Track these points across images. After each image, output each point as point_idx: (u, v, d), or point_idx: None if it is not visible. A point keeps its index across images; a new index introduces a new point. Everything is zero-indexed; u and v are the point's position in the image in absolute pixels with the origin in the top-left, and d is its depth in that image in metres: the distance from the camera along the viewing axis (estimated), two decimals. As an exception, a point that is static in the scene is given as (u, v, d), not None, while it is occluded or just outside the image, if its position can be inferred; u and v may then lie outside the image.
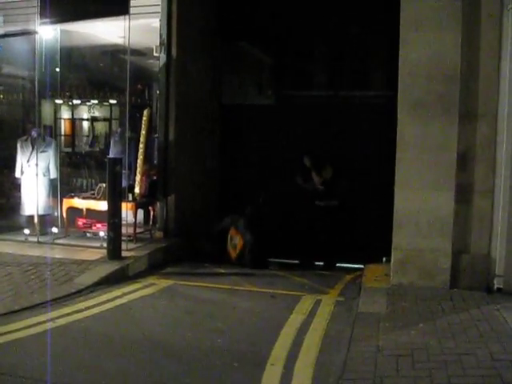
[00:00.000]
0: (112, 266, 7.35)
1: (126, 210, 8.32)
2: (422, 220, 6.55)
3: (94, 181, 9.70)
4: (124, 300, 6.56)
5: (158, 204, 8.81)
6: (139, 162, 8.37)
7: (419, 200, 6.53)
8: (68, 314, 6.00)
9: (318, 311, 6.35)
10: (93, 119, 11.49)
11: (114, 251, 7.56)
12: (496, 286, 6.42)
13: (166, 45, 8.57)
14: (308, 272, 8.44)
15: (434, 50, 6.40)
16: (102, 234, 8.25)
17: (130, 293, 6.82)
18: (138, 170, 8.36)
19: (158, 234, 8.82)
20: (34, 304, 6.17)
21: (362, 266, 8.37)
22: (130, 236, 8.41)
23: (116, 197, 7.52)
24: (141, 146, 8.28)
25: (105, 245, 7.98)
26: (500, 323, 5.62)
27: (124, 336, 5.48)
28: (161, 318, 6.12)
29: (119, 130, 9.08)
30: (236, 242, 9.03)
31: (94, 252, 7.97)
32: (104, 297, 6.63)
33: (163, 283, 7.32)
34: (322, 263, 9.23)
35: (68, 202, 8.76)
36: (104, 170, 8.44)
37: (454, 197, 6.44)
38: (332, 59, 11.78)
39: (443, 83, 6.38)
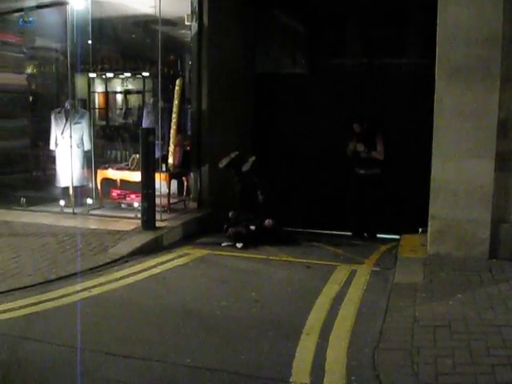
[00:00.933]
0: (146, 237, 7.35)
1: (160, 181, 8.34)
2: (461, 189, 6.33)
3: (127, 153, 9.70)
4: (158, 270, 6.56)
5: (192, 175, 8.78)
6: (172, 132, 8.30)
7: (458, 168, 6.31)
8: (103, 284, 6.04)
9: (354, 281, 6.24)
10: (126, 92, 11.46)
11: (148, 222, 7.56)
12: (536, 257, 6.23)
13: (198, 13, 8.42)
14: (343, 242, 8.33)
15: (474, 12, 6.11)
16: (136, 204, 8.27)
17: (164, 263, 6.82)
18: (172, 140, 8.30)
19: (192, 205, 8.78)
20: (70, 274, 6.23)
21: (397, 237, 8.27)
22: (164, 206, 8.41)
23: (149, 167, 7.49)
24: (174, 116, 8.21)
25: (139, 215, 7.99)
26: (541, 294, 5.47)
27: (159, 305, 5.48)
28: (195, 287, 6.10)
29: (152, 100, 9.01)
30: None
31: (129, 222, 7.98)
32: (138, 267, 6.64)
33: (197, 253, 7.29)
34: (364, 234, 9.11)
35: (102, 174, 8.79)
36: (137, 142, 8.46)
37: (494, 165, 6.23)
38: (366, 26, 11.51)
39: (484, 47, 6.10)
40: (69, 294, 5.69)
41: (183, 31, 9.85)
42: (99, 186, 8.77)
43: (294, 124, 10.12)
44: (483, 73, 6.15)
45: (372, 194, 8.76)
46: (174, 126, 8.25)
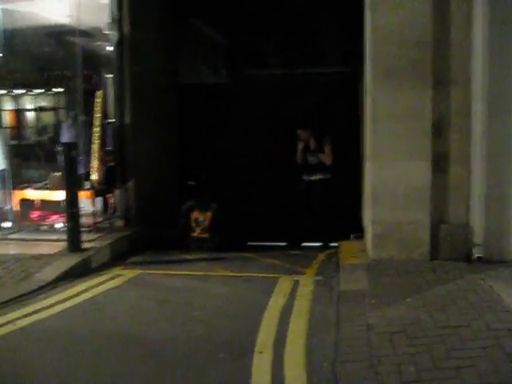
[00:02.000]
0: (73, 259, 6.73)
1: (83, 199, 7.74)
2: (399, 192, 6.21)
3: (43, 171, 8.97)
4: (90, 294, 5.98)
5: (117, 191, 8.23)
6: (95, 147, 7.73)
7: (395, 171, 6.18)
8: (29, 314, 5.36)
9: (298, 292, 5.95)
10: (39, 109, 10.70)
11: (74, 243, 6.95)
12: (476, 256, 6.15)
13: (118, 21, 7.94)
14: (278, 253, 8.06)
15: (404, 15, 6.05)
16: (58, 225, 7.63)
17: (95, 286, 6.24)
18: (94, 155, 7.74)
19: (119, 223, 8.22)
20: (-10, 305, 5.59)
21: (333, 244, 8.15)
22: (89, 226, 7.82)
23: (74, 184, 6.90)
24: (96, 130, 7.66)
25: (63, 237, 7.35)
26: (487, 292, 5.35)
27: (94, 333, 4.92)
28: (132, 310, 5.57)
29: (72, 113, 8.40)
30: (202, 219, 8.60)
31: (52, 245, 7.30)
32: (68, 292, 6.02)
33: (129, 274, 6.75)
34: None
35: (20, 194, 8.07)
36: (54, 161, 7.89)
37: (430, 166, 6.16)
38: (287, 36, 11.45)
39: (415, 49, 6.03)
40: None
41: (99, 43, 9.35)
42: (17, 208, 8.04)
43: (219, 135, 9.83)
44: (415, 75, 6.06)
45: (322, 200, 8.58)
46: (96, 141, 7.70)
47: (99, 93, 7.84)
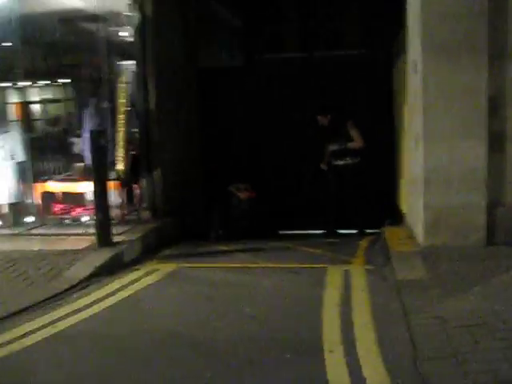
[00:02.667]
0: (105, 254, 6.27)
1: (110, 190, 7.26)
2: (453, 173, 5.77)
3: (63, 163, 8.49)
4: (129, 291, 5.52)
5: (143, 181, 7.77)
6: (120, 135, 7.24)
7: (449, 152, 5.73)
8: (67, 316, 4.91)
9: (352, 283, 5.52)
10: (52, 101, 10.23)
11: (104, 237, 6.47)
12: (536, 239, 5.78)
13: (140, 2, 7.45)
14: (317, 242, 7.61)
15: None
16: (85, 218, 7.18)
17: (132, 282, 5.79)
18: (120, 144, 7.25)
19: (146, 215, 7.75)
20: (24, 307, 5.05)
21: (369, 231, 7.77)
22: (117, 219, 7.36)
23: (102, 175, 6.43)
24: (120, 117, 7.17)
25: (90, 230, 6.94)
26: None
27: (141, 336, 4.46)
28: (177, 308, 5.12)
29: (94, 100, 7.90)
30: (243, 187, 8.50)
31: (80, 240, 6.85)
32: (104, 290, 5.57)
33: (166, 268, 6.30)
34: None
35: (42, 187, 7.58)
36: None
37: (486, 146, 5.72)
38: (305, 20, 11.03)
39: (469, 21, 5.59)
40: (27, 333, 4.52)
41: (118, 27, 8.88)
42: (40, 201, 7.56)
43: (241, 120, 9.33)
44: (471, 49, 5.60)
45: (352, 185, 8.15)
46: (121, 128, 7.21)
47: (122, 78, 7.35)
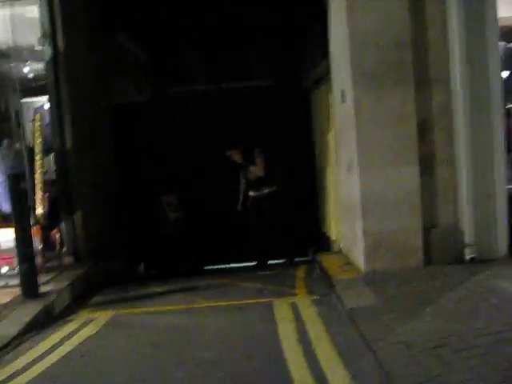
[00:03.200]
0: (34, 307, 5.68)
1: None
2: (389, 199, 5.88)
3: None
4: (67, 347, 4.98)
5: (63, 225, 7.21)
6: (38, 176, 6.69)
7: (383, 178, 5.84)
8: (3, 382, 4.37)
9: (303, 316, 5.38)
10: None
11: (30, 288, 5.89)
12: (469, 256, 5.98)
13: (52, 36, 6.99)
14: (251, 275, 7.40)
15: (382, 16, 5.77)
16: (4, 269, 6.51)
17: (69, 336, 5.26)
18: (39, 186, 6.69)
19: (67, 260, 7.21)
20: None
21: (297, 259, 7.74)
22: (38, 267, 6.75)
23: (25, 220, 5.88)
24: (37, 157, 6.64)
25: (11, 282, 6.35)
26: (504, 290, 5.15)
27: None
28: (127, 361, 4.67)
29: (5, 141, 7.25)
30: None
31: (0, 293, 6.22)
32: (40, 348, 5.01)
33: (102, 316, 5.82)
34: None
35: None
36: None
37: (418, 170, 5.90)
38: (211, 53, 11.01)
39: (395, 51, 5.77)
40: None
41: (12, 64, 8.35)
42: None
43: (153, 158, 9.02)
44: (397, 77, 5.79)
45: (270, 214, 8.06)
46: (39, 169, 6.67)
47: (38, 115, 6.83)
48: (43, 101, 8.63)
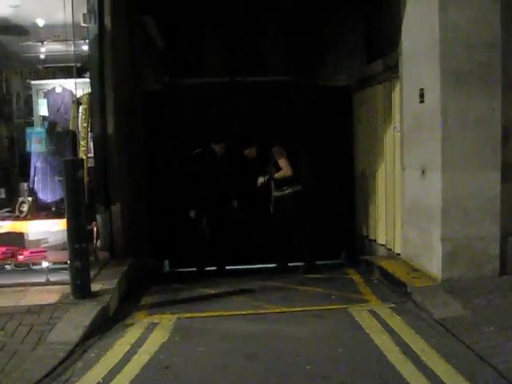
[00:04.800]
0: (90, 309, 4.98)
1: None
2: (470, 204, 5.50)
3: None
4: (144, 356, 4.36)
5: (100, 217, 6.50)
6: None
7: (467, 182, 5.47)
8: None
9: (391, 325, 4.93)
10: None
11: (82, 287, 5.19)
12: (543, 267, 5.71)
13: (98, 12, 6.29)
14: (299, 278, 6.87)
15: (474, 15, 5.40)
16: (45, 264, 5.75)
17: (140, 344, 4.62)
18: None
19: (103, 255, 6.51)
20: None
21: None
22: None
23: (80, 213, 5.16)
24: (82, 143, 5.92)
25: (52, 278, 5.65)
26: None
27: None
28: (226, 375, 4.05)
29: (46, 123, 6.44)
30: None
31: (45, 291, 5.48)
32: (111, 356, 4.38)
33: (165, 320, 5.18)
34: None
35: (-22, 227, 5.99)
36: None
37: (500, 176, 5.56)
38: (227, 45, 10.43)
39: (484, 52, 5.42)
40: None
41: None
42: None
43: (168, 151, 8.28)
44: (485, 78, 5.43)
45: (294, 215, 7.46)
46: (84, 157, 5.96)
47: (85, 97, 6.10)
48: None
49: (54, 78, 8.67)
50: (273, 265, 7.63)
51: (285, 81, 10.16)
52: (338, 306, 5.51)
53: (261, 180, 7.39)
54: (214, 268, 7.65)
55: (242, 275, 7.28)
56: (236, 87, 9.62)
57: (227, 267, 7.72)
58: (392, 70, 6.72)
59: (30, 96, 8.54)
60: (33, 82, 8.59)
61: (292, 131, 7.97)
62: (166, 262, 8.03)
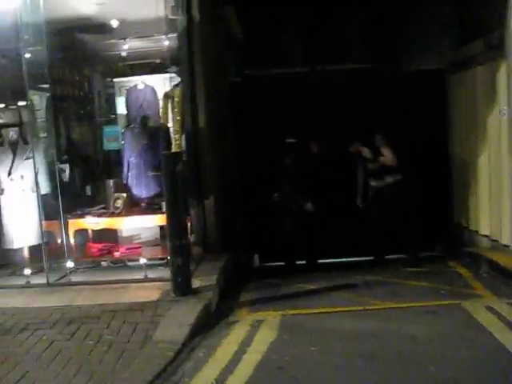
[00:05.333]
0: (193, 306, 4.83)
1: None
2: None
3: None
4: (255, 355, 4.13)
5: (193, 212, 6.37)
6: (177, 158, 5.85)
7: None
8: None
9: (516, 323, 4.55)
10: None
11: (183, 284, 5.05)
12: None
13: (186, 4, 6.12)
14: (400, 272, 6.51)
15: None
16: (142, 260, 5.67)
17: (248, 342, 4.41)
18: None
19: (197, 250, 6.37)
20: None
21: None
22: (163, 259, 5.97)
23: (180, 209, 5.03)
24: (176, 136, 5.77)
25: (150, 275, 5.55)
26: None
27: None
28: (345, 379, 3.78)
29: (140, 118, 6.37)
30: None
31: (144, 288, 5.39)
32: (221, 355, 4.19)
33: (269, 318, 4.95)
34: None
35: (76, 224, 5.95)
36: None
37: None
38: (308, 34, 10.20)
39: None
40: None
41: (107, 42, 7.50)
42: (72, 241, 5.93)
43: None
44: None
45: (395, 205, 7.08)
46: (177, 150, 5.80)
47: (178, 90, 5.96)
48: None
49: (134, 74, 8.64)
50: (368, 258, 7.34)
51: (368, 68, 9.81)
52: (451, 302, 5.11)
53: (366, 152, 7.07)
54: (304, 262, 7.45)
55: (337, 269, 7.02)
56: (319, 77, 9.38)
57: (319, 261, 7.49)
58: (495, 50, 6.21)
59: (112, 94, 8.53)
60: (115, 80, 8.59)
61: (381, 119, 7.59)
62: (256, 257, 7.85)
